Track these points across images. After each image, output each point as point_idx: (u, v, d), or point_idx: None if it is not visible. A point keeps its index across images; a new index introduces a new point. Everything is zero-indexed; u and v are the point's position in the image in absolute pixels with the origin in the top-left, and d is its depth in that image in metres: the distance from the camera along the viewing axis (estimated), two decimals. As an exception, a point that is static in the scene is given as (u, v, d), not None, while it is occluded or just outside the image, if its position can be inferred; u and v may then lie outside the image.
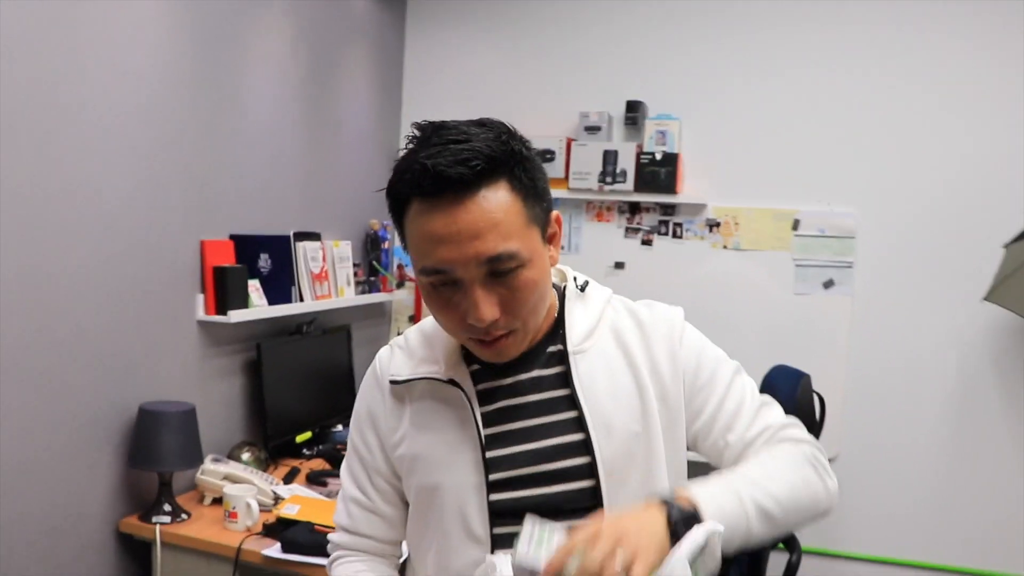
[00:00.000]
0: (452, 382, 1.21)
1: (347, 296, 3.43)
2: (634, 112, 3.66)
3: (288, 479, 2.82)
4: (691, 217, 3.71)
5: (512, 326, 1.12)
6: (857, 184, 3.52)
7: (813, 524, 1.22)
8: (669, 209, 3.72)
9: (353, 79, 3.60)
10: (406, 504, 1.31)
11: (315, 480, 2.83)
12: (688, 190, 3.68)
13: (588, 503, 1.16)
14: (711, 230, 3.69)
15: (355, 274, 3.54)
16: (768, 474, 1.13)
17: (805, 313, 3.58)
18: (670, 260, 3.70)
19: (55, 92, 2.12)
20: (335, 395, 3.44)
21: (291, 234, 3.05)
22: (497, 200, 1.06)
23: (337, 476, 2.82)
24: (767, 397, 1.28)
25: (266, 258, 2.95)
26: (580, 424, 1.18)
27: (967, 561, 3.49)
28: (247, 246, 2.89)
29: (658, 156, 3.61)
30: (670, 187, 3.60)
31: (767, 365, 3.27)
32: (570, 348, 1.21)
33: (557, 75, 3.83)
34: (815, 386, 3.20)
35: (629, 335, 1.24)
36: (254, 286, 2.86)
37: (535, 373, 1.21)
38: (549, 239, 1.17)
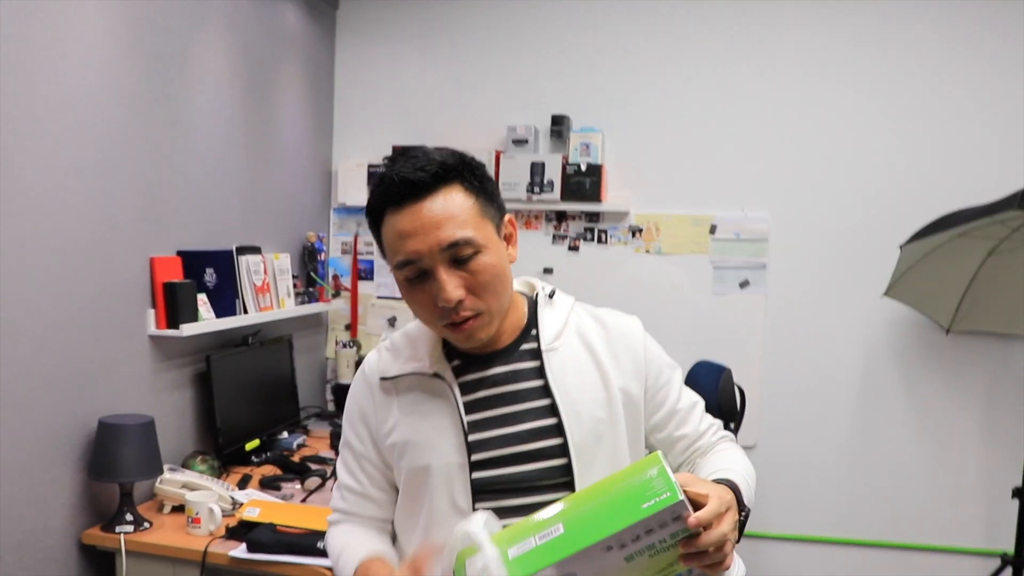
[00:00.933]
0: (436, 375, 1.39)
1: (288, 307, 3.52)
2: (559, 125, 3.84)
3: (242, 485, 2.90)
4: (615, 224, 3.91)
5: (477, 308, 1.30)
6: (769, 190, 3.77)
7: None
8: (594, 217, 3.92)
9: (287, 94, 3.70)
10: (394, 489, 1.47)
11: (269, 485, 2.93)
12: (612, 198, 3.88)
13: (561, 479, 1.35)
14: (634, 236, 3.90)
15: (294, 285, 3.63)
16: (746, 467, 1.42)
17: (723, 312, 3.81)
18: (596, 265, 3.90)
19: (2, 111, 2.16)
20: (280, 403, 3.54)
21: (234, 248, 3.13)
22: (453, 198, 1.28)
23: (289, 480, 2.95)
24: (700, 399, 1.55)
25: (211, 272, 3.03)
26: (553, 410, 1.36)
27: (874, 535, 3.78)
28: (193, 261, 2.96)
29: (583, 167, 3.80)
30: (595, 196, 3.80)
31: (690, 361, 3.49)
32: (543, 346, 1.40)
33: (485, 90, 3.99)
34: (735, 379, 3.43)
35: (594, 337, 1.44)
36: (202, 300, 2.94)
37: (511, 367, 1.40)
38: (506, 239, 1.37)
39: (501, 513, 1.25)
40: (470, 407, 1.38)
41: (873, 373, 3.74)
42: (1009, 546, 3.13)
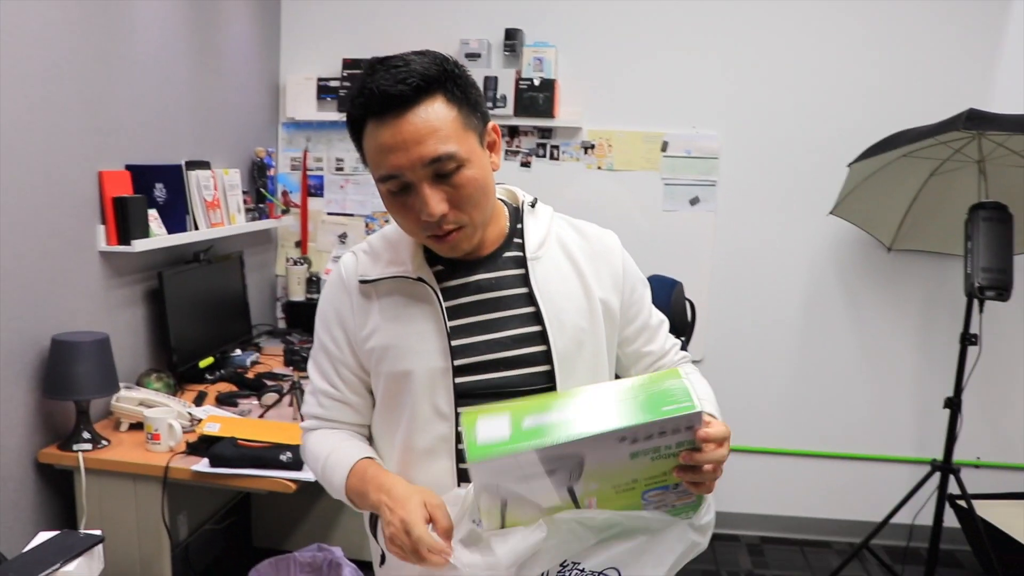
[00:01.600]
0: (420, 280, 1.38)
1: (239, 223, 3.47)
2: (512, 40, 3.80)
3: (198, 402, 2.91)
4: (567, 140, 3.91)
5: (461, 221, 1.30)
6: (721, 109, 3.80)
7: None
8: (547, 133, 3.91)
9: (234, 4, 3.58)
10: (370, 395, 1.47)
11: (226, 402, 2.94)
12: (564, 114, 3.87)
13: (543, 385, 1.37)
14: (586, 152, 3.91)
15: (244, 202, 3.58)
16: (712, 400, 1.45)
17: (673, 228, 3.87)
18: (548, 181, 3.90)
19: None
20: (232, 321, 3.53)
21: (183, 163, 3.07)
22: (435, 111, 1.25)
23: (245, 396, 2.97)
24: (665, 319, 1.59)
25: (161, 187, 2.97)
26: (537, 318, 1.38)
27: (813, 445, 3.95)
28: (143, 176, 2.90)
29: (536, 82, 3.77)
30: (548, 111, 3.79)
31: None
32: (528, 254, 1.40)
33: (438, 2, 3.90)
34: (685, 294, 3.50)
35: (575, 247, 1.45)
36: (153, 215, 2.89)
37: (496, 274, 1.40)
38: (489, 147, 1.36)
39: None
40: (453, 312, 1.38)
41: (817, 289, 3.85)
42: (938, 453, 3.29)
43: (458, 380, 1.36)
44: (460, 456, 1.35)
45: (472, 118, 1.30)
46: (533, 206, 1.48)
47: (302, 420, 1.52)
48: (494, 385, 1.36)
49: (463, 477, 1.34)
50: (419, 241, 1.38)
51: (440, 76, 1.26)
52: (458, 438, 1.34)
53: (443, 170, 1.25)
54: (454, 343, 1.36)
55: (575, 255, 1.44)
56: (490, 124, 1.36)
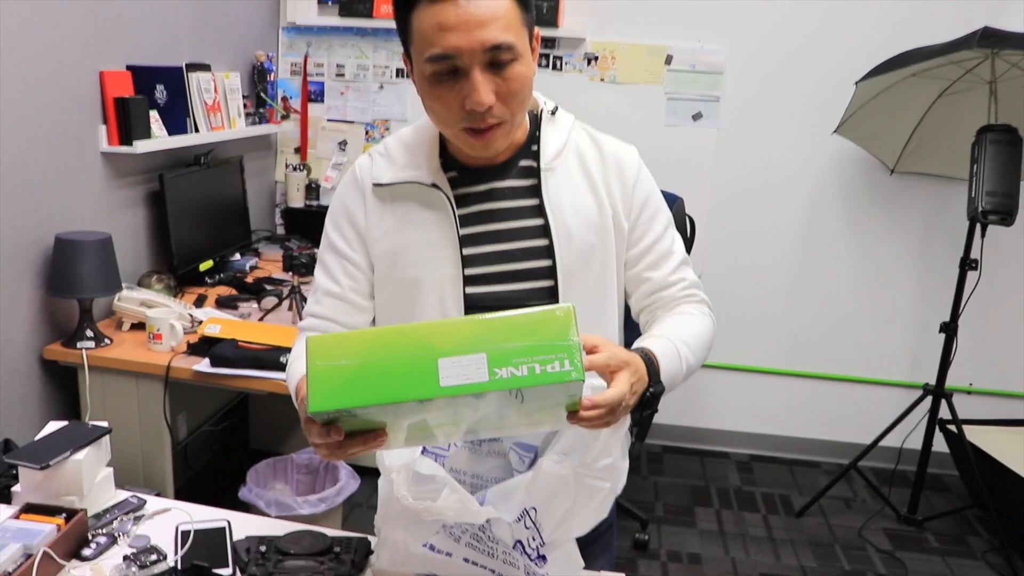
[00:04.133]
0: (434, 186, 1.35)
1: (239, 128, 3.44)
2: (519, -55, 3.71)
3: (198, 304, 2.93)
4: (570, 51, 3.86)
5: (503, 116, 1.25)
6: (726, 22, 3.73)
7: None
8: (550, 43, 3.85)
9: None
10: (371, 298, 1.44)
11: (226, 304, 2.96)
12: (568, 24, 3.80)
13: (547, 300, 1.35)
14: (589, 64, 3.86)
15: (244, 106, 3.55)
16: (695, 337, 1.36)
17: (675, 143, 3.84)
18: (550, 92, 3.72)
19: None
20: (232, 225, 3.52)
21: (184, 65, 3.03)
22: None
23: (245, 300, 2.99)
24: (687, 256, 1.49)
25: (162, 89, 2.94)
26: (545, 231, 1.35)
27: (809, 367, 3.99)
28: (144, 77, 2.87)
29: (541, -9, 3.71)
30: (551, 20, 3.72)
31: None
32: (543, 165, 1.37)
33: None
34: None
35: (591, 160, 1.41)
36: (154, 117, 2.86)
37: (508, 183, 1.37)
38: (531, 51, 1.30)
39: None
40: (465, 220, 1.35)
41: (817, 209, 3.85)
42: (932, 378, 3.33)
43: (468, 290, 1.34)
44: None
45: (528, 15, 1.26)
46: (554, 113, 1.43)
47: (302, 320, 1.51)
48: (502, 297, 1.34)
49: None
50: (451, 134, 1.31)
51: None
52: None
53: (499, 59, 1.20)
54: (465, 252, 1.34)
55: (591, 168, 1.40)
56: (535, 30, 1.31)
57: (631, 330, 1.51)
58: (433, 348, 0.97)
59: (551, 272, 1.35)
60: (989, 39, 2.82)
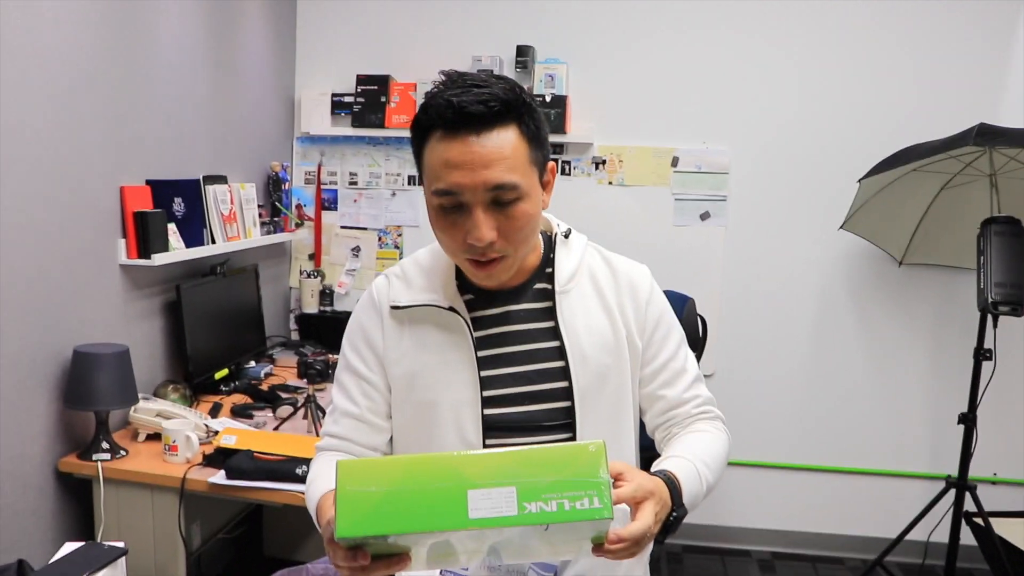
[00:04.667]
0: (451, 309, 1.37)
1: (254, 237, 3.51)
2: (524, 56, 3.83)
3: (213, 414, 2.93)
4: (579, 156, 3.94)
5: (505, 251, 1.29)
6: (731, 124, 3.82)
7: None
8: (558, 148, 3.94)
9: (249, 20, 3.62)
10: (389, 419, 1.45)
11: (241, 413, 2.96)
12: (576, 130, 3.90)
13: (564, 421, 1.37)
14: (597, 167, 3.93)
15: (259, 215, 3.62)
16: (713, 455, 1.37)
17: (684, 243, 3.89)
18: (560, 196, 3.81)
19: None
20: (247, 333, 3.56)
21: (201, 178, 3.11)
22: (507, 139, 1.24)
23: (260, 409, 2.99)
24: (700, 372, 1.51)
25: (180, 202, 3.01)
26: (560, 353, 1.37)
27: (825, 461, 3.94)
28: (162, 191, 2.94)
29: (548, 98, 3.80)
30: (559, 127, 3.82)
31: (653, 291, 3.56)
32: (557, 288, 1.40)
33: (450, 19, 3.94)
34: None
35: (604, 281, 1.44)
36: (172, 229, 2.93)
37: (524, 306, 1.40)
38: (544, 185, 1.34)
39: None
40: (481, 343, 1.38)
41: (828, 304, 3.86)
42: (953, 470, 3.29)
43: (486, 411, 1.36)
44: None
45: (538, 154, 1.30)
46: (567, 236, 1.46)
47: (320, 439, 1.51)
48: (519, 419, 1.36)
49: None
50: (456, 262, 1.36)
51: (518, 105, 1.25)
52: None
53: (502, 198, 1.24)
54: (483, 374, 1.36)
55: (604, 289, 1.43)
56: (549, 164, 1.35)
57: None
58: (463, 478, 0.98)
59: (567, 393, 1.37)
60: (985, 136, 2.88)
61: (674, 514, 1.20)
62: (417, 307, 1.40)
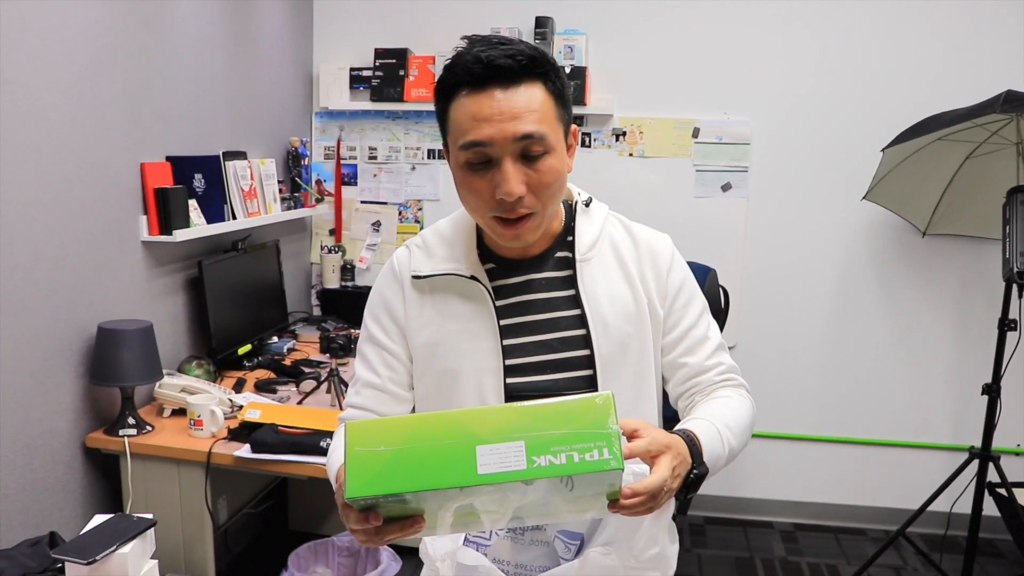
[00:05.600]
0: (473, 278, 1.37)
1: (275, 212, 3.52)
2: (543, 28, 3.80)
3: (237, 389, 2.96)
4: (599, 127, 3.92)
5: (534, 207, 1.27)
6: (752, 94, 3.78)
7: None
8: (578, 120, 3.91)
9: (266, -4, 3.63)
10: (411, 389, 1.45)
11: (264, 388, 2.99)
12: (596, 102, 3.87)
13: (587, 388, 1.36)
14: (617, 139, 3.91)
15: (279, 191, 3.63)
16: (737, 420, 1.35)
17: (705, 215, 3.87)
18: (580, 168, 3.83)
19: None
20: (269, 308, 3.58)
21: (220, 154, 3.12)
22: (534, 94, 1.24)
23: (284, 383, 3.01)
24: (723, 340, 1.49)
25: (200, 178, 3.02)
26: (582, 321, 1.37)
27: (849, 432, 3.94)
28: (182, 167, 2.95)
29: (567, 69, 3.77)
30: (579, 99, 3.79)
31: (674, 264, 3.55)
32: (578, 256, 1.39)
33: (468, -9, 3.92)
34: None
35: (625, 250, 1.43)
36: (193, 206, 2.94)
37: (545, 274, 1.40)
38: (567, 148, 1.33)
39: None
40: (503, 312, 1.38)
41: (851, 275, 3.84)
42: (977, 441, 3.27)
43: (509, 380, 1.36)
44: None
45: (564, 112, 1.30)
46: (588, 205, 1.46)
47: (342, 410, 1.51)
48: (542, 387, 1.35)
49: None
50: (482, 223, 1.34)
51: (544, 62, 1.26)
52: None
53: (531, 151, 1.24)
54: (505, 343, 1.36)
55: (625, 258, 1.42)
56: (572, 127, 1.34)
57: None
58: (471, 435, 0.98)
59: (590, 362, 1.36)
60: (1012, 103, 2.83)
61: (695, 472, 1.18)
62: (438, 276, 1.40)
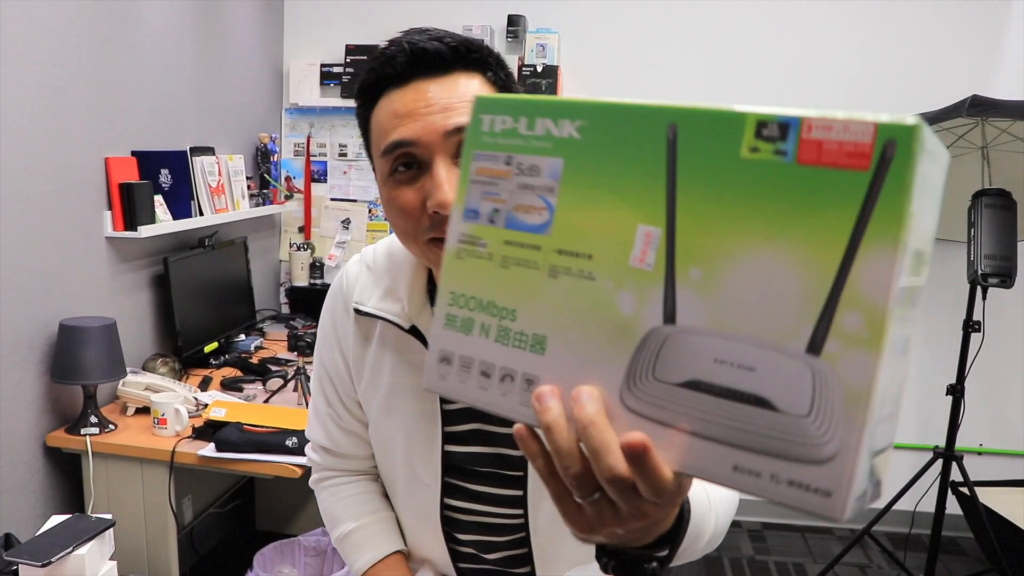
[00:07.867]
0: (414, 330, 1.14)
1: (243, 209, 3.49)
2: (515, 26, 3.80)
3: (203, 387, 2.93)
4: (570, 126, 3.91)
5: None
6: (723, 96, 3.79)
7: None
8: (549, 119, 3.91)
9: (236, -9, 3.59)
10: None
11: (231, 387, 2.96)
12: (567, 101, 3.86)
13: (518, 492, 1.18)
14: (588, 139, 3.91)
15: (248, 187, 3.60)
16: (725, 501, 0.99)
17: (675, 215, 3.87)
18: None
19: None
20: (236, 306, 3.55)
21: (188, 149, 3.09)
22: (471, 86, 1.00)
23: (250, 382, 2.99)
24: None
25: (166, 174, 2.98)
26: None
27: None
28: (148, 162, 2.91)
29: (539, 68, 3.77)
30: (550, 98, 3.78)
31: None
32: None
33: (440, -12, 3.91)
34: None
35: None
36: (158, 201, 2.90)
37: None
38: None
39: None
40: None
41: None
42: (941, 441, 3.30)
43: (447, 448, 1.17)
44: (445, 522, 1.21)
45: None
46: None
47: (308, 443, 1.35)
48: (483, 460, 1.18)
49: (453, 556, 1.24)
50: (417, 252, 1.06)
51: (482, 51, 1.02)
52: (443, 508, 1.20)
53: None
54: (445, 407, 1.16)
55: None
56: None
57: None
58: None
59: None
60: (977, 107, 2.86)
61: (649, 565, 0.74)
62: (378, 319, 1.17)
